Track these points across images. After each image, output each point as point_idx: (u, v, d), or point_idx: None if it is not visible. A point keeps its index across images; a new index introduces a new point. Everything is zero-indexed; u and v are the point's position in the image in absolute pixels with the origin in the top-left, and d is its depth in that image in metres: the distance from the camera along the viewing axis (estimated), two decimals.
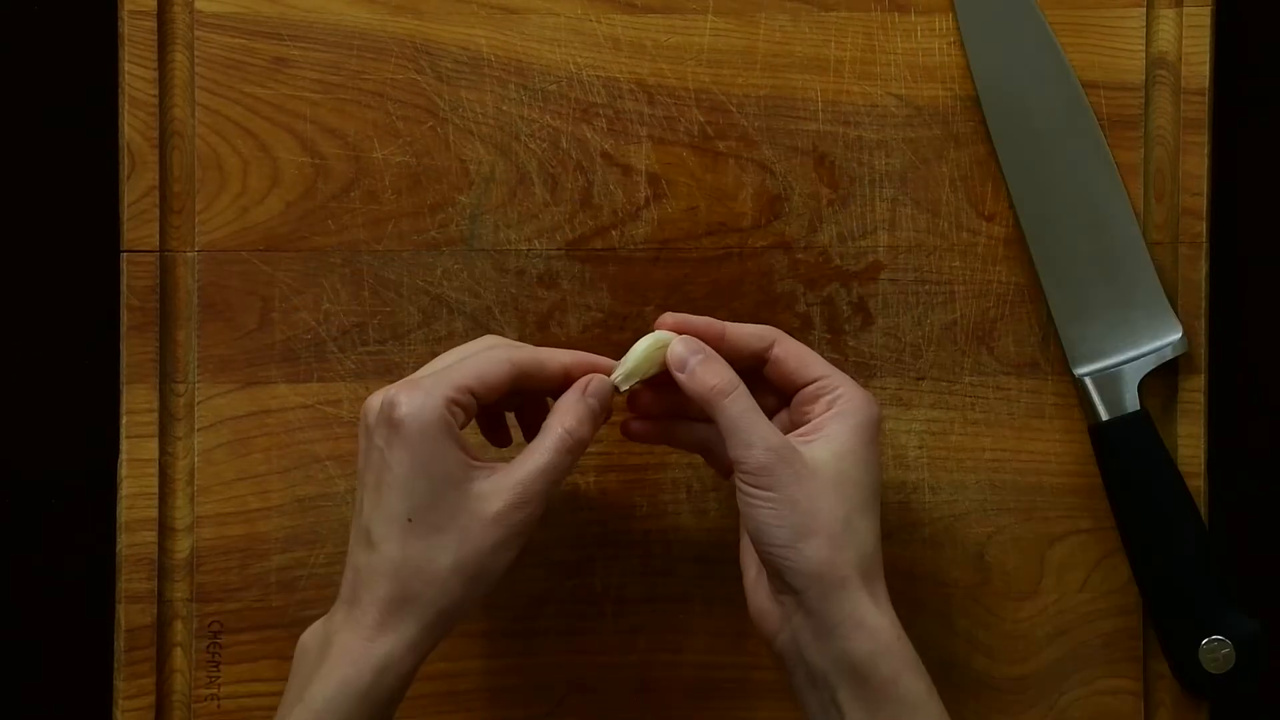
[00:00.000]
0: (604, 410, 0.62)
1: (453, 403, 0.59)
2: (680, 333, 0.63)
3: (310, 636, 0.60)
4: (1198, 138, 0.69)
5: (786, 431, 0.62)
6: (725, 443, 0.61)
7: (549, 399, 0.63)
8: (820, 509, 0.59)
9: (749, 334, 0.63)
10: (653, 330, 0.63)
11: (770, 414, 0.63)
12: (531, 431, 0.63)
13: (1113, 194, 0.69)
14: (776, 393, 0.64)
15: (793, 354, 0.63)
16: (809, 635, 0.60)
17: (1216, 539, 0.70)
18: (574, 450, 0.61)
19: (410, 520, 0.58)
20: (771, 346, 0.63)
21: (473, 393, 0.60)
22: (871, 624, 0.59)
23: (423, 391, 0.59)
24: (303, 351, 0.69)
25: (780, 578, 0.60)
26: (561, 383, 0.62)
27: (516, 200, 0.69)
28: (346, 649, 0.58)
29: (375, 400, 0.60)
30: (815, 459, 0.60)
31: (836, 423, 0.61)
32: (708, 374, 0.61)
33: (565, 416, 0.61)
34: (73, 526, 0.71)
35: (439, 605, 0.59)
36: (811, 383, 0.62)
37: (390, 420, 0.59)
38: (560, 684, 0.69)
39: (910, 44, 0.69)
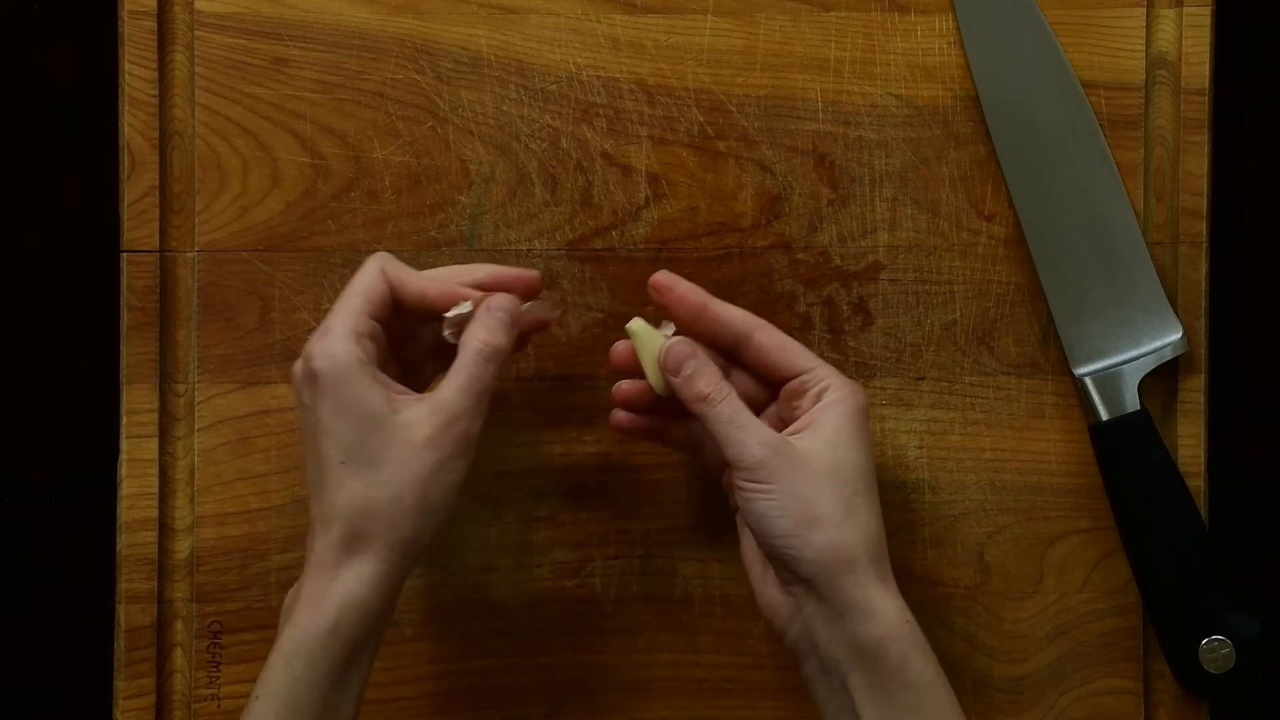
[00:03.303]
0: (512, 320, 0.62)
1: (359, 335, 0.60)
2: (665, 297, 0.64)
3: (287, 598, 0.61)
4: (1198, 138, 0.69)
5: (777, 427, 0.62)
6: (719, 446, 0.61)
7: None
8: (821, 496, 0.60)
9: (730, 317, 0.64)
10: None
11: (759, 408, 0.64)
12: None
13: (1113, 194, 0.69)
14: (764, 383, 0.64)
15: (775, 345, 0.63)
16: (821, 621, 0.60)
17: (1216, 539, 0.70)
18: (492, 358, 0.61)
19: (344, 462, 0.59)
20: (752, 335, 0.63)
21: (370, 316, 0.61)
22: (881, 606, 0.60)
23: (330, 337, 0.60)
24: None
25: (788, 568, 0.60)
26: (429, 300, 0.63)
27: (516, 200, 0.69)
28: (309, 594, 0.59)
29: (297, 364, 0.61)
30: (809, 450, 0.61)
31: (826, 413, 0.62)
32: (699, 381, 0.62)
33: (478, 331, 0.62)
34: (73, 526, 0.71)
35: (390, 538, 0.59)
36: (796, 375, 0.63)
37: (309, 373, 0.60)
38: (560, 684, 0.69)
39: (910, 44, 0.69)
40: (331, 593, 0.59)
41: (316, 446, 0.60)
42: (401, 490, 0.59)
